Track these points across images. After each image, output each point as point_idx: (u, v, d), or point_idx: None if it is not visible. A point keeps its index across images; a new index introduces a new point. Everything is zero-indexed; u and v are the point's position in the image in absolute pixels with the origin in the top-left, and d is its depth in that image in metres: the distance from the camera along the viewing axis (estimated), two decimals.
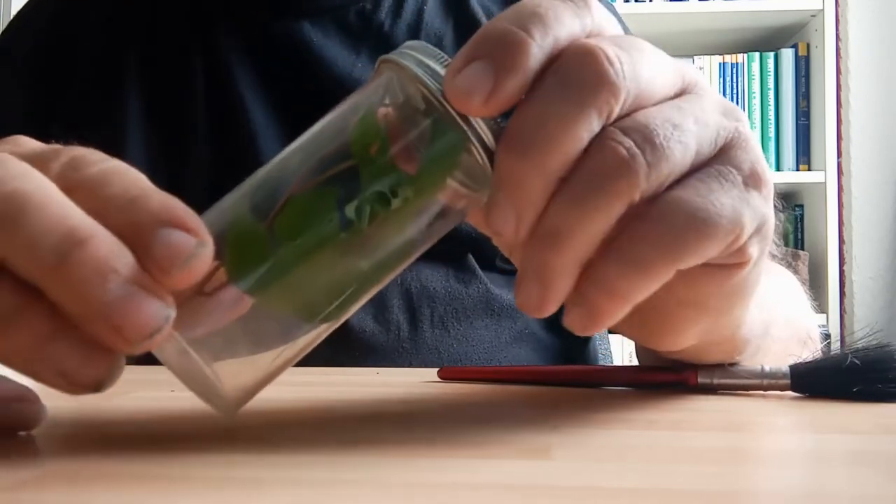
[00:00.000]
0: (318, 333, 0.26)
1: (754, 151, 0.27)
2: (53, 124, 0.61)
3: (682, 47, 2.03)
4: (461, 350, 0.59)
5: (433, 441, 0.26)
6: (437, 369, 0.41)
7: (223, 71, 0.60)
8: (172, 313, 0.21)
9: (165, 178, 0.58)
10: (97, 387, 0.22)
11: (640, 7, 1.91)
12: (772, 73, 1.95)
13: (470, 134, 0.25)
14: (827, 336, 1.60)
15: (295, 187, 0.25)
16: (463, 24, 0.63)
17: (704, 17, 1.92)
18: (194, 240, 0.22)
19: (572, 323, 0.26)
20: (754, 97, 1.95)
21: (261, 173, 0.26)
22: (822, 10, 1.87)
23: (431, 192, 0.26)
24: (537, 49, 0.25)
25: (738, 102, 1.95)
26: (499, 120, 0.26)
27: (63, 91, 0.62)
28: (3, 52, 0.66)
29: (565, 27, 0.25)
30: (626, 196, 0.25)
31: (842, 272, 1.91)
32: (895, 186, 1.95)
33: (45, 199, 0.22)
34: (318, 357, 0.56)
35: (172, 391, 0.35)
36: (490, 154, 0.26)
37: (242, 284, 0.24)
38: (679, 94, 0.28)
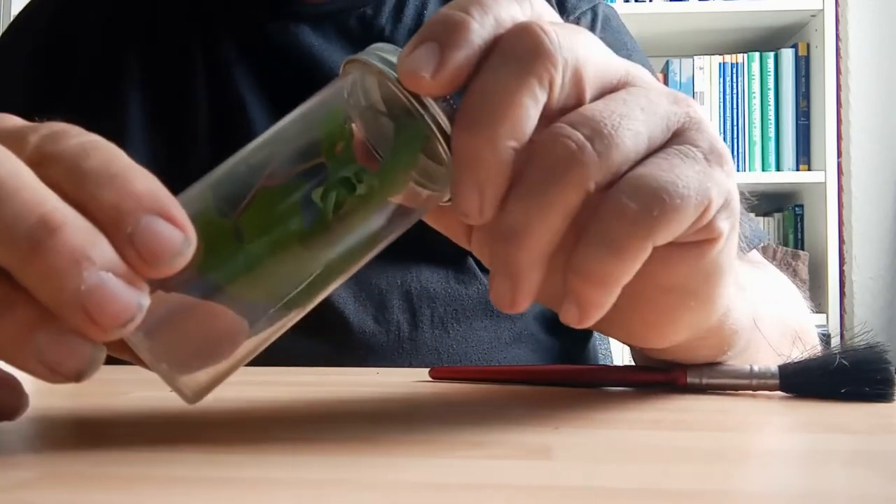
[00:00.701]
0: (282, 323, 0.26)
1: (709, 132, 0.27)
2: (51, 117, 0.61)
3: (682, 47, 2.04)
4: (461, 350, 0.59)
5: (433, 441, 0.26)
6: (430, 374, 0.41)
7: (224, 72, 0.60)
8: (146, 301, 0.21)
9: (166, 179, 0.58)
10: (78, 376, 0.22)
11: (640, 7, 1.91)
12: (772, 73, 1.95)
13: (429, 121, 0.26)
14: (827, 336, 1.60)
15: (263, 182, 0.25)
16: None
17: (704, 17, 1.92)
18: (181, 235, 0.21)
19: (566, 317, 0.26)
20: (754, 97, 1.95)
21: (225, 166, 0.26)
22: (822, 10, 1.87)
23: (395, 183, 0.27)
24: (477, 25, 0.26)
25: (738, 102, 1.95)
26: (455, 106, 0.27)
27: (63, 91, 0.62)
28: (4, 53, 0.67)
29: (503, 8, 0.27)
30: (579, 187, 0.25)
31: (842, 272, 1.91)
32: (895, 186, 1.95)
33: (18, 185, 0.21)
34: (319, 357, 0.55)
35: (171, 391, 0.35)
36: (450, 145, 0.26)
37: (209, 276, 0.24)
38: (622, 85, 0.28)
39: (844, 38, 1.95)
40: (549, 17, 0.28)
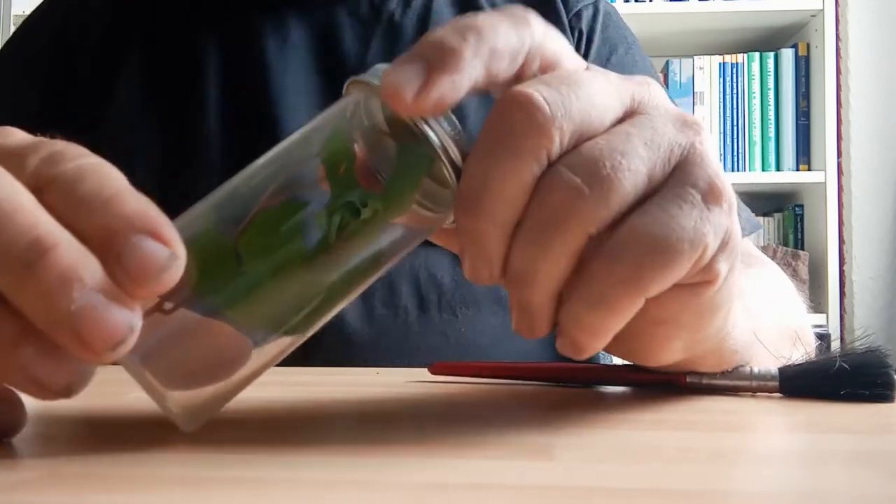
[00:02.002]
0: (282, 349, 0.26)
1: (711, 166, 0.27)
2: (62, 117, 0.61)
3: (682, 47, 2.04)
4: (469, 335, 0.59)
5: (433, 441, 0.26)
6: (430, 370, 0.41)
7: (237, 62, 0.61)
8: (138, 323, 0.21)
9: (172, 173, 0.58)
10: (67, 391, 0.22)
11: (640, 7, 1.91)
12: (772, 73, 1.95)
13: (434, 144, 0.26)
14: (826, 336, 1.60)
15: (263, 202, 0.25)
16: (469, 13, 0.64)
17: (704, 17, 1.92)
18: (167, 251, 0.21)
19: (562, 350, 0.27)
20: (754, 97, 1.95)
21: (227, 187, 0.26)
22: (822, 10, 1.87)
23: (399, 206, 0.27)
24: (470, 54, 0.25)
25: (738, 102, 1.95)
26: (463, 136, 0.26)
27: (73, 87, 0.62)
28: (17, 55, 0.68)
29: (501, 38, 0.26)
30: (581, 233, 0.25)
31: (842, 272, 1.91)
32: (895, 186, 1.95)
33: (14, 207, 0.21)
34: (328, 340, 0.55)
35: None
36: (456, 168, 0.26)
37: (207, 299, 0.24)
38: (629, 115, 0.28)
39: (844, 38, 1.95)
40: (549, 41, 0.28)
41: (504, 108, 0.26)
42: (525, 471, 0.22)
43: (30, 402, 0.32)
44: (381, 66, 0.27)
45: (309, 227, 0.25)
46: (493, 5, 0.66)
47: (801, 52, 1.95)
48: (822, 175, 1.85)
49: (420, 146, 0.26)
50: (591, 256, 0.26)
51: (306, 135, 0.27)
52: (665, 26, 1.95)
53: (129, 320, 0.21)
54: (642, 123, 0.27)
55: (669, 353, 0.30)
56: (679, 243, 0.25)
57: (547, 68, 0.28)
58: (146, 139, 0.60)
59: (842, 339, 1.86)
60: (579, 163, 0.25)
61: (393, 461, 0.23)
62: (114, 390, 0.36)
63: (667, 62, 2.01)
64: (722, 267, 0.27)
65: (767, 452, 0.26)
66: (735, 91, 1.96)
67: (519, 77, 0.27)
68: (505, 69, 0.27)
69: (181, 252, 0.21)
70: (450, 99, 0.25)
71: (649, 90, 0.28)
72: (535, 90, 0.25)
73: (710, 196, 0.26)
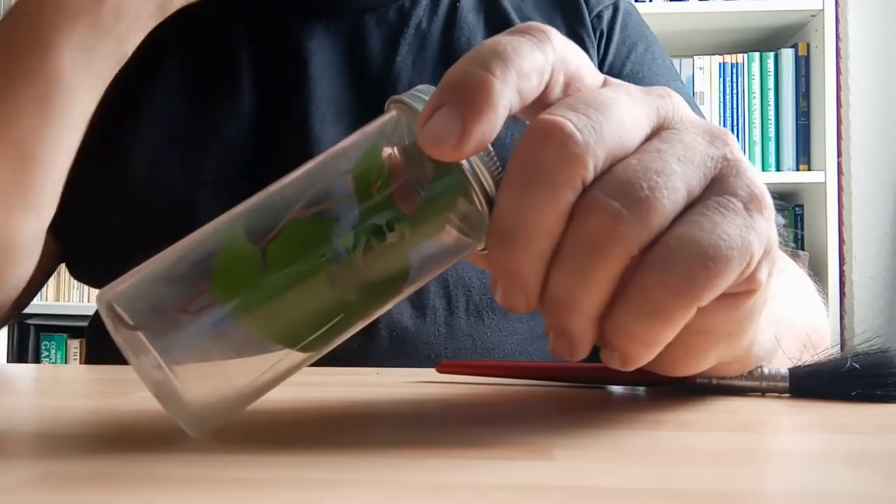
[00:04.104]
0: (298, 363, 0.26)
1: (748, 174, 0.26)
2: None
3: (682, 47, 2.04)
4: (495, 339, 0.59)
5: (434, 441, 0.26)
6: (436, 368, 0.41)
7: (269, 60, 0.61)
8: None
9: (199, 154, 0.58)
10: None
11: (640, 7, 1.91)
12: (772, 73, 1.95)
13: (466, 172, 0.25)
14: (821, 335, 1.60)
15: (292, 215, 0.25)
16: (493, 18, 0.65)
17: (704, 17, 1.92)
18: None
19: (607, 362, 0.27)
20: (754, 97, 1.95)
21: (260, 196, 0.26)
22: (822, 10, 1.87)
23: (427, 231, 0.26)
24: (500, 85, 0.25)
25: (738, 102, 1.95)
26: (497, 161, 0.26)
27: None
28: None
29: (526, 60, 0.26)
30: (623, 256, 0.25)
31: (842, 272, 1.91)
32: (895, 186, 1.95)
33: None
34: (358, 339, 0.55)
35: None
36: (487, 196, 0.26)
37: (229, 306, 0.24)
38: (656, 132, 0.27)
39: (844, 38, 1.95)
40: (571, 55, 0.27)
41: (534, 138, 0.25)
42: (525, 471, 0.22)
43: (28, 401, 0.32)
44: (421, 88, 0.27)
45: (336, 244, 0.25)
46: (519, 10, 0.66)
47: (801, 52, 1.95)
48: (822, 175, 1.85)
49: (452, 172, 0.26)
50: (636, 269, 0.25)
51: (343, 150, 0.27)
52: (665, 26, 1.95)
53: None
54: (672, 139, 0.26)
55: (703, 363, 0.29)
56: (729, 251, 0.25)
57: (569, 82, 0.27)
58: (179, 118, 0.60)
59: (842, 338, 1.86)
60: (615, 186, 0.25)
61: (392, 461, 0.23)
62: (115, 390, 0.36)
63: None
64: (763, 275, 0.27)
65: (769, 452, 0.26)
66: (735, 91, 1.96)
67: (545, 93, 0.27)
68: (534, 89, 0.26)
69: None
70: (490, 137, 0.25)
71: (672, 103, 0.28)
72: (565, 118, 0.25)
73: (752, 204, 0.26)
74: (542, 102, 0.27)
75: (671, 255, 0.25)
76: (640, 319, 0.25)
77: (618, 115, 0.26)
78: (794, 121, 1.94)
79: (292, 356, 0.25)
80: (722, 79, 1.96)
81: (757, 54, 1.96)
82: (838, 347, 0.37)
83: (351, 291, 0.25)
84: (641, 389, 0.37)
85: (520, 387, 0.39)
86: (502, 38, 0.26)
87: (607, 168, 0.25)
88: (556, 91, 0.27)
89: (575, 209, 0.25)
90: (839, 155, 1.89)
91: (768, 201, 0.26)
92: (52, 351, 2.16)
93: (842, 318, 1.91)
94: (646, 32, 0.70)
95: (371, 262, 0.25)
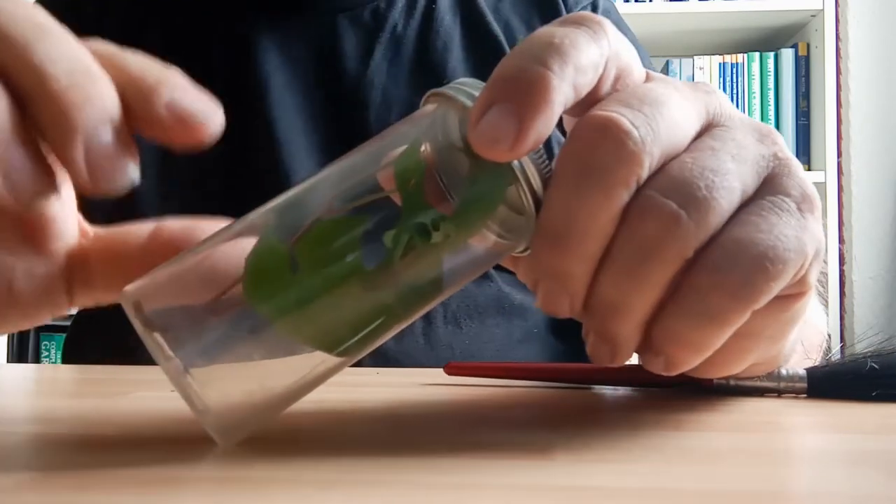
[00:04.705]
0: (331, 369, 0.25)
1: (799, 174, 0.26)
2: None
3: (683, 47, 2.04)
4: (474, 347, 0.59)
5: (434, 441, 0.26)
6: (437, 369, 0.41)
7: (243, 57, 0.61)
8: (136, 178, 0.22)
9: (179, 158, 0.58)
10: (29, 202, 0.22)
11: (640, 7, 1.91)
12: (772, 73, 1.95)
13: (515, 168, 0.24)
14: (826, 336, 1.60)
15: (323, 212, 0.24)
16: (470, 19, 0.64)
17: (704, 17, 1.92)
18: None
19: (649, 367, 0.26)
20: (754, 97, 1.95)
21: (290, 193, 0.25)
22: (822, 10, 1.87)
23: (471, 231, 0.25)
24: (558, 81, 0.23)
25: (738, 102, 1.95)
26: (545, 158, 0.25)
27: None
28: None
29: (584, 54, 0.24)
30: (677, 260, 0.24)
31: (842, 272, 1.91)
32: (895, 186, 1.95)
33: (65, 35, 0.22)
34: None
35: (172, 391, 0.35)
36: (535, 196, 0.25)
37: (259, 308, 0.23)
38: (706, 129, 0.27)
39: (844, 38, 1.95)
40: (623, 50, 0.26)
41: (589, 136, 0.24)
42: (525, 471, 0.22)
43: (28, 401, 0.33)
44: (462, 81, 0.25)
45: (369, 244, 0.24)
46: (496, 10, 0.65)
47: (801, 52, 1.95)
48: (822, 175, 1.85)
49: (499, 169, 0.24)
50: (688, 272, 0.24)
51: (380, 145, 0.25)
52: (665, 26, 1.95)
53: (131, 173, 0.22)
54: (724, 136, 0.26)
55: (741, 365, 0.28)
56: (786, 252, 0.24)
57: (620, 77, 0.27)
58: None
59: (842, 339, 1.86)
60: (671, 186, 0.24)
61: (392, 461, 0.23)
62: (115, 390, 0.36)
63: (667, 62, 2.01)
64: (814, 277, 0.26)
65: (771, 452, 0.26)
66: (735, 91, 1.96)
67: (596, 88, 0.26)
68: (589, 84, 0.25)
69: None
70: (545, 136, 0.24)
71: (718, 99, 0.27)
72: (620, 114, 0.24)
73: (805, 205, 0.25)
74: (592, 97, 0.26)
75: (729, 256, 0.24)
76: (693, 323, 0.24)
77: (670, 112, 0.25)
78: (794, 121, 1.94)
79: (328, 361, 0.24)
80: (722, 79, 1.96)
81: (757, 54, 1.96)
82: (837, 345, 0.37)
83: (388, 293, 0.24)
84: (654, 390, 0.37)
85: (519, 387, 0.39)
86: (557, 30, 0.25)
87: (660, 167, 0.25)
88: (607, 85, 0.26)
89: (628, 209, 0.24)
90: (839, 155, 1.89)
91: (818, 202, 0.26)
92: (52, 351, 2.16)
93: (842, 318, 1.91)
94: (626, 32, 0.69)
95: (411, 264, 0.24)
